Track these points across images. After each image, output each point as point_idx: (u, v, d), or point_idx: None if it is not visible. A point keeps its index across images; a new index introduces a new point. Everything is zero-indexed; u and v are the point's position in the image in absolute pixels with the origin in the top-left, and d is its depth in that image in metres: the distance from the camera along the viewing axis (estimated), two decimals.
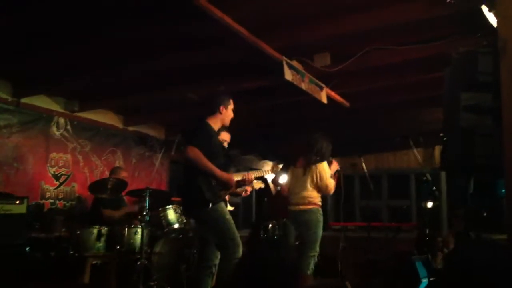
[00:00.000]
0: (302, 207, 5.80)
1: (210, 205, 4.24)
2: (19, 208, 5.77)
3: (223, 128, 4.83)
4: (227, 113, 4.58)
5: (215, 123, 4.53)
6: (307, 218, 5.74)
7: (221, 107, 4.52)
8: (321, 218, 5.74)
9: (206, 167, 4.24)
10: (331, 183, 5.71)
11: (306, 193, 5.80)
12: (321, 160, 5.78)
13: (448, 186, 8.37)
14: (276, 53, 5.10)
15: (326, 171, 5.72)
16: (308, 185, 5.79)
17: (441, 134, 4.12)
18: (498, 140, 3.56)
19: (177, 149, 8.06)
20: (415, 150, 5.77)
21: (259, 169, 4.93)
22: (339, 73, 5.64)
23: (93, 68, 5.90)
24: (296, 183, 5.94)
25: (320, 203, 5.78)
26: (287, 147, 6.82)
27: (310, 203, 5.75)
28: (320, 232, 5.69)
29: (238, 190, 4.75)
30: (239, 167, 4.80)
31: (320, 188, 5.74)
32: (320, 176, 5.73)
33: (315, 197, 5.75)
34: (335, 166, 5.94)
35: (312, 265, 5.61)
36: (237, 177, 4.57)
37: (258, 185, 4.99)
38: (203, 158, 4.22)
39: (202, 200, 4.24)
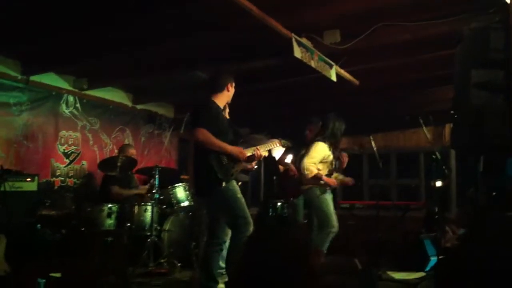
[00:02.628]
0: (303, 187, 5.82)
1: (223, 184, 4.26)
2: (30, 185, 5.84)
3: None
4: (232, 90, 4.63)
5: (221, 101, 4.55)
6: (309, 198, 5.78)
7: (228, 85, 4.54)
8: (321, 195, 5.66)
9: (216, 146, 4.26)
10: (308, 166, 5.56)
11: None
12: (327, 139, 5.73)
13: (458, 165, 8.34)
14: (285, 30, 5.05)
15: (314, 152, 5.63)
16: None
17: (452, 112, 4.09)
18: (509, 118, 3.53)
19: (186, 127, 8.07)
20: (424, 129, 5.73)
21: (267, 143, 4.88)
22: (348, 51, 5.58)
23: (102, 49, 5.88)
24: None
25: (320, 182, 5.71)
26: (300, 126, 6.80)
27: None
28: (327, 208, 5.64)
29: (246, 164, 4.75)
30: (248, 145, 4.75)
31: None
32: (307, 154, 5.66)
33: None
34: (345, 159, 5.92)
35: (327, 242, 5.59)
36: (248, 153, 4.57)
37: (264, 153, 4.94)
38: (212, 138, 4.24)
39: (214, 179, 4.25)
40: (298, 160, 6.03)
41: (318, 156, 5.64)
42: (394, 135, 9.88)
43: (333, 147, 5.79)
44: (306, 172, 5.57)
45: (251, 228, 4.25)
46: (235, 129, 4.68)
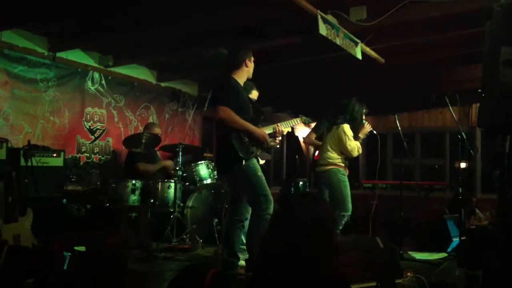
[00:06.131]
0: (322, 168, 5.82)
1: (244, 162, 4.28)
2: (56, 161, 5.95)
3: (252, 84, 4.81)
4: (251, 65, 4.58)
5: (240, 77, 4.52)
6: (327, 179, 5.75)
7: (246, 61, 4.51)
8: (343, 178, 5.69)
9: (239, 124, 4.26)
10: (351, 146, 5.61)
11: (325, 154, 5.81)
12: (347, 122, 5.71)
13: (484, 145, 8.22)
14: (310, 6, 4.99)
15: (346, 133, 5.63)
16: (328, 146, 5.78)
17: (480, 91, 4.01)
18: None
19: (209, 105, 8.10)
20: (451, 108, 5.63)
21: (288, 120, 4.87)
22: (374, 28, 5.50)
23: (127, 25, 5.91)
24: (323, 144, 5.96)
25: (341, 164, 5.71)
26: (326, 107, 6.76)
27: (329, 163, 5.73)
28: (345, 191, 5.65)
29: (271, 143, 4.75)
30: (270, 123, 4.75)
31: (342, 150, 5.69)
32: (338, 139, 5.67)
33: (334, 158, 5.71)
34: (367, 128, 5.86)
35: (340, 225, 5.61)
36: (268, 130, 4.57)
37: (286, 129, 4.91)
38: (234, 116, 4.23)
39: (235, 157, 4.26)
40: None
41: (351, 134, 5.71)
42: (419, 115, 9.77)
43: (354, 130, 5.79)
44: (358, 153, 5.75)
45: (272, 206, 4.27)
46: (256, 106, 4.66)
